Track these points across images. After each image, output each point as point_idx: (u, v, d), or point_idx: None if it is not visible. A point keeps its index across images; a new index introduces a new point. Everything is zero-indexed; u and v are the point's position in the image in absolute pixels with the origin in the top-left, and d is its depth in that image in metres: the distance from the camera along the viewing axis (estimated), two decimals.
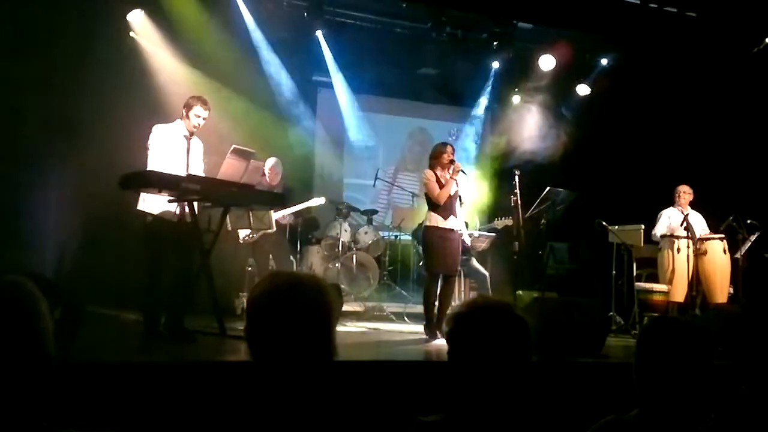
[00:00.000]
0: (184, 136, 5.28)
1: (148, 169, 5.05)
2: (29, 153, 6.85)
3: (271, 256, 7.26)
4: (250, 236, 7.08)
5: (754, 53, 8.37)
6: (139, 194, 5.12)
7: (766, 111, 8.39)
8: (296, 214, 7.71)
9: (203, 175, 5.39)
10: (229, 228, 6.53)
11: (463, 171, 6.24)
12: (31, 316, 1.43)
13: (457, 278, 6.83)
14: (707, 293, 7.41)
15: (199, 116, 5.25)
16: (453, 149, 6.29)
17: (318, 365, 1.61)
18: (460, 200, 6.28)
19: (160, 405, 3.30)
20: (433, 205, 6.15)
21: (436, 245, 6.11)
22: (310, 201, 7.75)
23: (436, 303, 6.09)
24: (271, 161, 7.19)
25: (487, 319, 1.79)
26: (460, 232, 6.28)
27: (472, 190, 7.52)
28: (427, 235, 6.21)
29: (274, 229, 7.02)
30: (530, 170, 7.44)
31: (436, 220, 6.11)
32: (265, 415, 1.54)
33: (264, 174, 6.98)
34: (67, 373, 2.99)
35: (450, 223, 6.14)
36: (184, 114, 5.27)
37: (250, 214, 6.61)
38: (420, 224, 7.33)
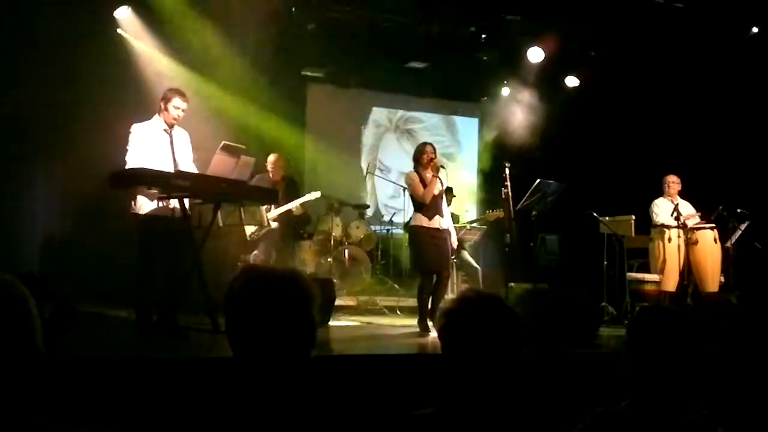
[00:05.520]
0: (164, 130, 5.23)
1: (127, 167, 5.02)
2: (16, 150, 6.80)
3: (274, 251, 7.30)
4: (256, 233, 7.13)
5: (743, 42, 8.40)
6: (131, 193, 5.09)
7: (753, 100, 8.43)
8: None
9: (193, 164, 5.38)
10: (221, 224, 6.53)
11: (442, 166, 6.29)
12: (18, 315, 1.42)
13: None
14: (699, 282, 7.44)
15: (178, 108, 5.21)
16: (433, 148, 6.33)
17: (297, 358, 1.61)
18: (450, 194, 6.30)
19: (153, 401, 3.30)
20: (419, 206, 6.24)
21: (423, 244, 6.21)
22: (306, 196, 7.75)
23: (430, 298, 6.13)
24: (272, 157, 7.37)
25: (478, 312, 1.79)
26: (448, 230, 6.31)
27: (457, 183, 7.54)
28: (413, 235, 6.36)
29: (266, 224, 7.04)
30: (520, 162, 7.43)
31: (421, 220, 6.20)
32: (246, 410, 1.54)
33: (267, 170, 7.21)
34: (58, 371, 2.98)
35: (436, 222, 6.21)
36: (162, 107, 5.23)
37: (242, 211, 6.60)
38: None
